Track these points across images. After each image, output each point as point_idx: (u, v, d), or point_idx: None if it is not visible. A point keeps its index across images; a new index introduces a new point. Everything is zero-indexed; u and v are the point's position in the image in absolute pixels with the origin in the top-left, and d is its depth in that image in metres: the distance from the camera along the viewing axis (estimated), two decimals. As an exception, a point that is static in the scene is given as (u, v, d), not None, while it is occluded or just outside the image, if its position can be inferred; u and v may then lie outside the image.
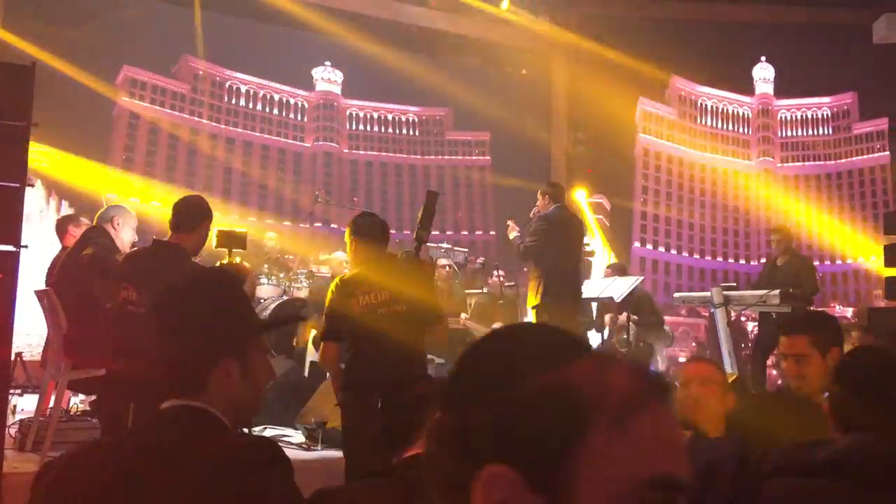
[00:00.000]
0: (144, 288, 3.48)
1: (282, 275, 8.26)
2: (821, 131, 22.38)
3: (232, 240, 3.97)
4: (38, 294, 4.72)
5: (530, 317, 7.52)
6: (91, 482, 1.38)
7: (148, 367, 3.35)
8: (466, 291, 9.18)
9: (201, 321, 1.51)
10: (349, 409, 3.81)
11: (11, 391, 5.20)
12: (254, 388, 1.55)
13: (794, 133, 22.53)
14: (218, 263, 4.02)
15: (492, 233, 15.54)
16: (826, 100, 22.50)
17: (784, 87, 21.66)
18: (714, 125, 22.36)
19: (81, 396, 5.39)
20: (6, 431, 4.15)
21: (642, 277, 7.37)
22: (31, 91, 3.61)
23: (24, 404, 6.00)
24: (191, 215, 3.68)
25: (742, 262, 20.33)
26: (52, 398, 4.62)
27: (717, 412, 2.81)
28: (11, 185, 3.57)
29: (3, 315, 3.52)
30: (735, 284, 7.91)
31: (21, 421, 4.88)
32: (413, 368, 3.77)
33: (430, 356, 6.97)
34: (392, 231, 4.15)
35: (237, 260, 4.07)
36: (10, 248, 3.60)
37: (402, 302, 3.79)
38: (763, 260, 8.00)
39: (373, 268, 3.88)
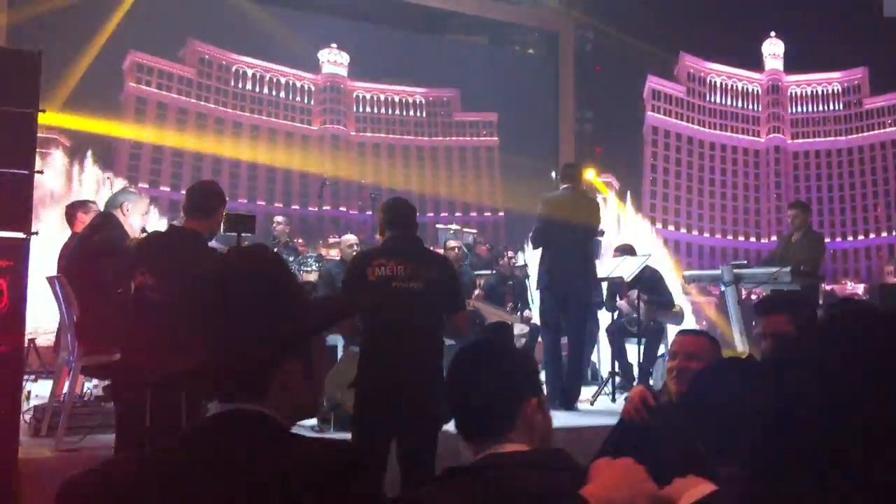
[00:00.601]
0: (162, 274, 3.46)
1: (291, 258, 8.26)
2: (831, 107, 22.21)
3: (241, 224, 3.95)
4: (50, 280, 4.74)
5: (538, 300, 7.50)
6: None
7: (167, 356, 3.37)
8: (475, 273, 9.17)
9: (261, 321, 1.31)
10: (364, 406, 3.71)
11: (25, 377, 5.24)
12: (316, 388, 1.43)
13: (805, 109, 22.37)
14: (227, 248, 4.00)
15: (500, 213, 15.50)
16: (836, 75, 22.33)
17: (794, 63, 21.50)
18: (723, 102, 22.20)
19: (95, 381, 5.42)
20: (21, 417, 4.18)
21: (650, 254, 7.31)
22: (38, 78, 3.60)
23: (39, 390, 6.05)
24: (206, 199, 3.65)
25: (752, 239, 20.23)
26: (66, 384, 4.64)
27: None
28: (20, 172, 3.57)
29: (16, 302, 3.53)
30: (746, 262, 7.84)
31: (35, 407, 4.91)
32: (426, 358, 3.62)
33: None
34: None
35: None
36: (21, 235, 3.60)
37: (419, 279, 3.63)
38: (774, 238, 7.94)
39: (392, 245, 3.77)
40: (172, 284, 3.46)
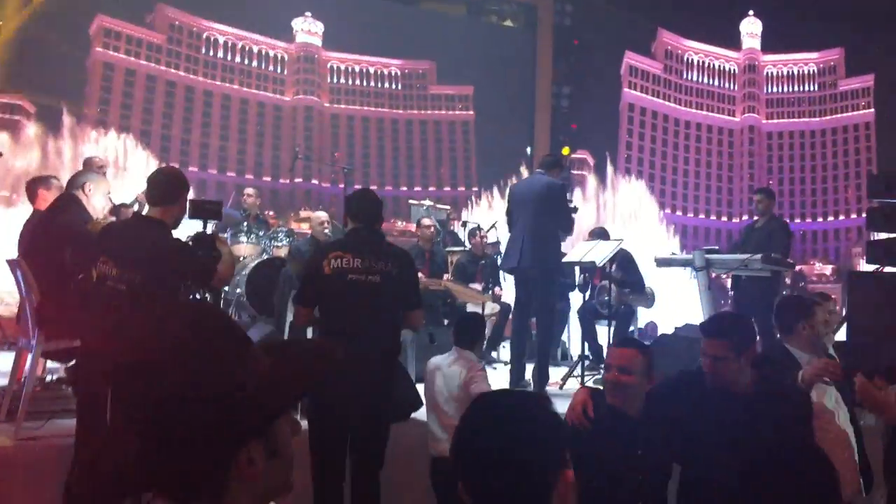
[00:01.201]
0: (124, 264, 3.37)
1: (261, 232, 8.13)
2: (806, 88, 22.29)
3: (206, 210, 3.86)
4: (10, 263, 4.61)
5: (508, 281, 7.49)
6: None
7: (129, 347, 3.30)
8: (448, 250, 9.11)
9: (211, 411, 1.03)
10: (321, 394, 3.67)
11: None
12: (286, 463, 1.13)
13: (780, 89, 22.42)
14: (193, 234, 3.91)
15: (474, 188, 15.44)
16: (813, 55, 22.37)
17: (771, 43, 21.51)
18: (700, 80, 22.18)
19: (57, 364, 5.31)
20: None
21: (623, 239, 7.31)
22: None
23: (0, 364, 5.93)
24: (170, 187, 3.57)
25: (724, 219, 20.41)
26: (26, 368, 4.54)
27: (634, 395, 3.14)
28: (-25, 154, 3.44)
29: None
30: (717, 248, 7.90)
31: (-5, 389, 4.81)
32: (381, 345, 3.62)
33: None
34: (373, 187, 4.10)
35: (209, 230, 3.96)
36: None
37: (376, 273, 3.60)
38: (745, 217, 8.04)
39: (352, 238, 3.74)
40: (135, 274, 3.38)
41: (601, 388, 3.38)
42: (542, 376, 6.33)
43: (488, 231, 9.48)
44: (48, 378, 5.06)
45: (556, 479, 1.45)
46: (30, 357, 4.46)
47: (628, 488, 3.03)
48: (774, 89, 23.18)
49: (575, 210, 6.99)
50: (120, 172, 10.33)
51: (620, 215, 20.43)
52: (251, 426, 1.06)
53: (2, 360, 5.91)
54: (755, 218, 8.08)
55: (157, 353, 1.06)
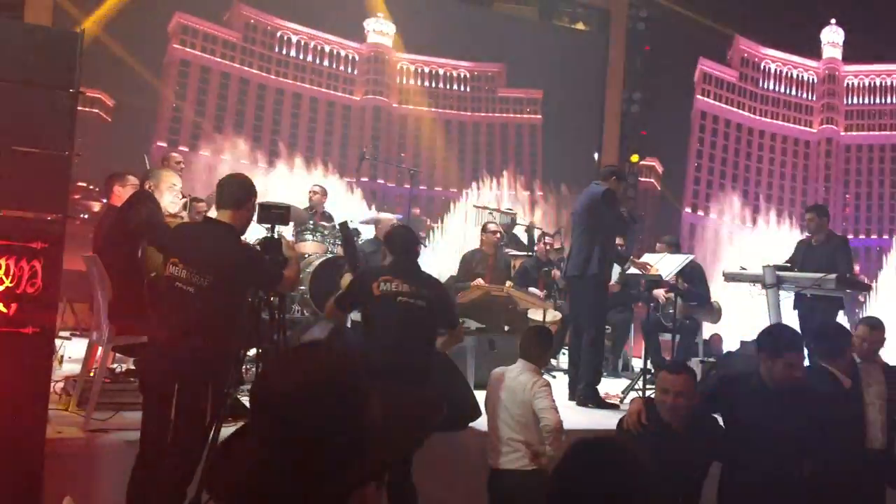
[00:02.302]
0: (194, 267, 3.46)
1: (326, 231, 8.20)
2: (889, 100, 21.42)
3: (274, 215, 3.92)
4: (86, 259, 4.75)
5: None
6: None
7: (194, 347, 3.38)
8: (511, 254, 9.05)
9: (343, 447, 1.18)
10: None
11: (60, 337, 5.30)
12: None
13: (861, 101, 21.60)
14: (261, 237, 3.98)
15: (539, 193, 15.31)
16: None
17: (853, 53, 20.74)
18: (776, 89, 21.52)
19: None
20: (52, 387, 4.22)
21: (692, 256, 7.15)
22: (77, 58, 3.56)
23: (73, 351, 6.11)
24: (238, 192, 3.65)
25: (796, 231, 19.80)
26: (97, 360, 4.67)
27: (686, 415, 3.64)
28: (59, 153, 3.55)
29: (49, 284, 3.53)
30: (789, 265, 7.63)
31: (66, 378, 4.96)
32: (419, 358, 4.01)
33: (468, 320, 6.95)
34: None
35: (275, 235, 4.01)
36: (57, 216, 3.59)
37: (423, 297, 4.05)
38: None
39: (396, 265, 4.19)
40: (203, 278, 3.45)
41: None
42: (585, 391, 6.22)
43: (554, 236, 9.41)
44: (117, 368, 5.19)
45: None
46: (100, 350, 4.59)
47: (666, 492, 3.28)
48: (855, 101, 22.35)
49: (629, 217, 6.85)
50: (190, 167, 10.56)
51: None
52: (373, 470, 1.19)
53: (76, 347, 6.12)
54: (807, 235, 7.87)
55: (305, 392, 1.18)
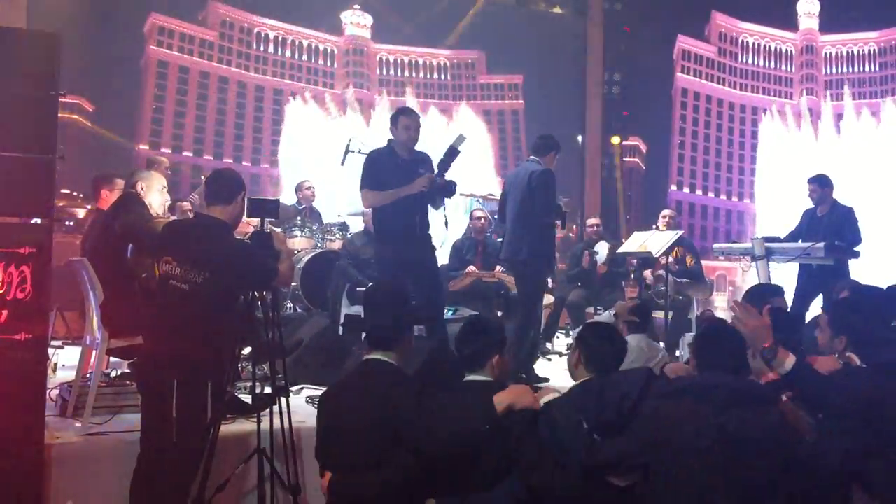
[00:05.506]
0: (188, 264, 3.43)
1: (315, 227, 8.18)
2: (867, 68, 21.52)
3: (264, 209, 3.89)
4: (75, 263, 4.70)
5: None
6: None
7: (191, 345, 3.36)
8: (500, 239, 9.04)
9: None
10: None
11: (52, 346, 5.25)
12: None
13: (839, 70, 21.71)
14: (251, 232, 3.95)
15: (525, 178, 15.29)
16: (873, 35, 21.58)
17: (829, 22, 20.82)
18: (755, 63, 21.60)
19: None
20: (48, 394, 4.18)
21: (682, 232, 7.16)
22: (58, 60, 3.51)
23: (66, 358, 6.06)
24: (228, 187, 3.62)
25: (781, 205, 19.86)
26: (91, 363, 4.63)
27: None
28: (43, 157, 3.51)
29: (39, 289, 3.49)
30: (778, 236, 7.63)
31: (61, 384, 4.91)
32: None
33: (458, 307, 6.92)
34: None
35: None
36: (43, 221, 3.55)
37: None
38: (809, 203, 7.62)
39: None
40: (198, 275, 3.42)
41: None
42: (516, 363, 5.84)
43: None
44: (112, 373, 5.15)
45: None
46: (94, 354, 4.55)
47: None
48: (833, 70, 22.46)
49: (560, 209, 6.42)
50: (173, 168, 10.47)
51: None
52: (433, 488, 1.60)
53: (69, 355, 6.06)
54: (813, 206, 7.74)
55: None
